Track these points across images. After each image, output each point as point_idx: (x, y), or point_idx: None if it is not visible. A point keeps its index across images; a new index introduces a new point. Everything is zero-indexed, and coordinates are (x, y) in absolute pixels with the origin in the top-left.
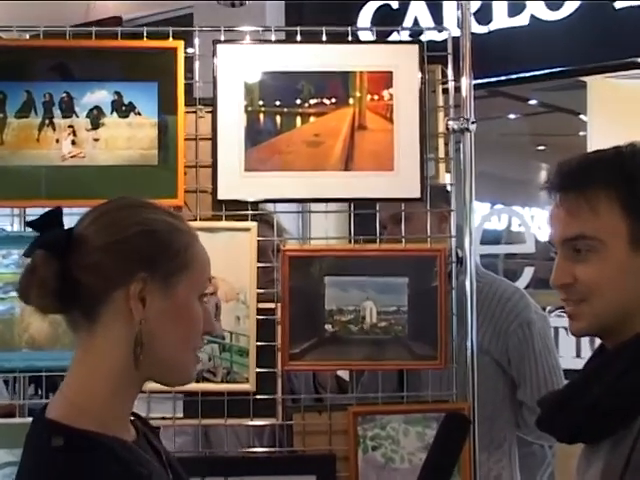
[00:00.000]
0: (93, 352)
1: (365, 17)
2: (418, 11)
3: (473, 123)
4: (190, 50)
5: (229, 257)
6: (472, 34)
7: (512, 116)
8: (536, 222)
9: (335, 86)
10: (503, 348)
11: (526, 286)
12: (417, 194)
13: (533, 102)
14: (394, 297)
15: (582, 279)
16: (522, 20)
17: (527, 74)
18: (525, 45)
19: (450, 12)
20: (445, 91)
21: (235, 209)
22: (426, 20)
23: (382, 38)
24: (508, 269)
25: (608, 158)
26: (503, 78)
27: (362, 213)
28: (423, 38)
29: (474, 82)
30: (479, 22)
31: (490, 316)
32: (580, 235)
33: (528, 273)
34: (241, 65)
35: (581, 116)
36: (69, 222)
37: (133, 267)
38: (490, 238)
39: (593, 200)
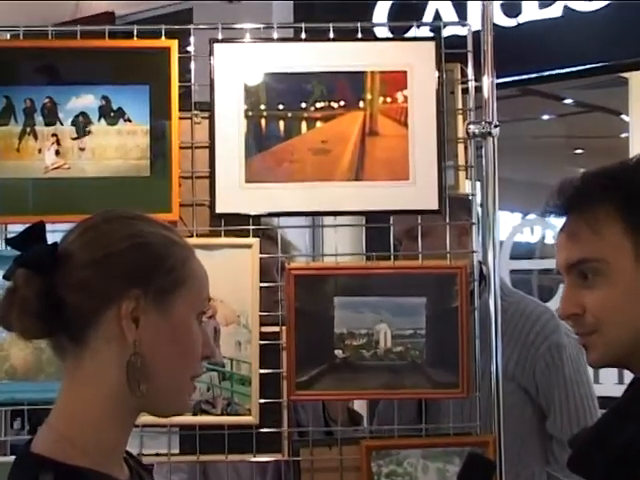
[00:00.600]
0: (82, 380)
1: (381, 13)
2: (440, 5)
3: (496, 127)
4: (190, 49)
5: (229, 276)
6: (500, 28)
7: (546, 117)
8: None
9: (344, 88)
10: (530, 374)
11: None
12: (435, 205)
13: (569, 101)
14: (410, 319)
15: (590, 307)
16: (555, 11)
17: (561, 70)
18: (559, 39)
19: (475, 5)
20: (465, 92)
21: (235, 224)
22: (449, 14)
23: (398, 35)
24: (542, 285)
25: (606, 174)
26: (535, 75)
27: (375, 227)
28: (443, 34)
29: (502, 80)
30: (507, 15)
31: (516, 339)
32: (583, 259)
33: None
34: (241, 66)
35: (622, 116)
36: (53, 241)
37: (124, 284)
38: (522, 252)
39: (592, 220)
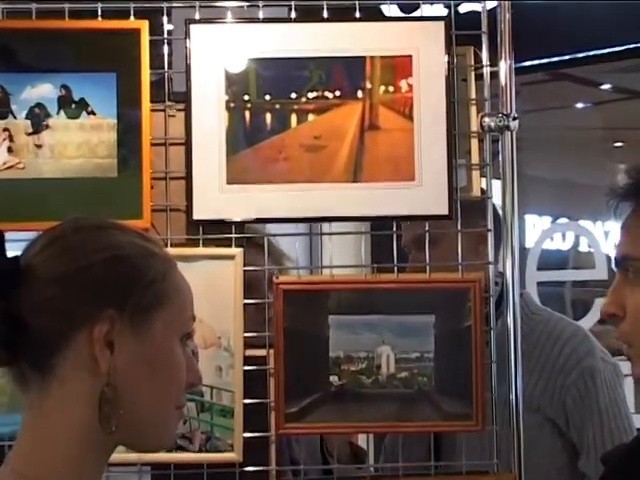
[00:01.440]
0: (49, 414)
1: None
2: None
3: (515, 119)
4: (169, 27)
5: (208, 292)
6: (525, 4)
7: (580, 105)
8: (610, 240)
9: (340, 75)
10: (559, 404)
11: (599, 321)
12: (444, 210)
13: (606, 87)
14: (417, 341)
15: (629, 309)
16: None
17: (599, 52)
18: (595, 15)
19: None
20: (479, 78)
21: (215, 232)
22: None
23: (404, 14)
24: (576, 300)
25: None
26: (567, 57)
27: (377, 235)
28: (454, 13)
29: (529, 64)
30: None
31: (543, 363)
32: (627, 255)
33: (600, 305)
34: (222, 50)
35: None
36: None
37: (97, 303)
38: (552, 261)
39: None
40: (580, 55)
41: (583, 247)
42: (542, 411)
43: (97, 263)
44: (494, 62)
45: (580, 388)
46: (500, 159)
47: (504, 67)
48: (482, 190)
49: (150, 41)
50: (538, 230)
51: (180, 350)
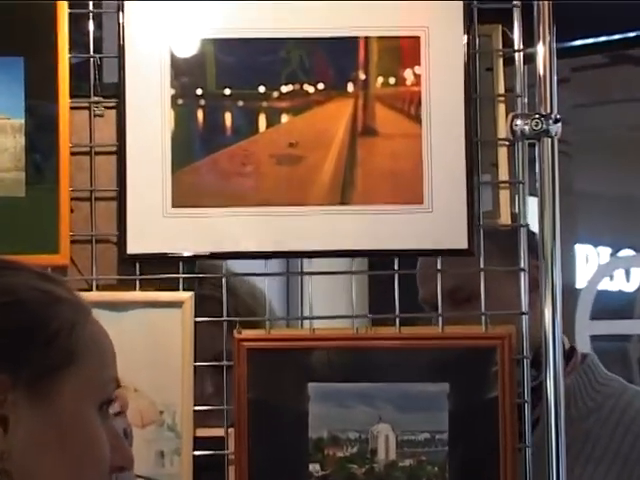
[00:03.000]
0: None
1: None
2: None
3: (557, 122)
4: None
5: (147, 350)
6: None
7: None
8: None
9: (324, 63)
10: None
11: None
12: (463, 242)
13: None
14: (425, 417)
15: None
16: None
17: None
18: None
19: None
20: (508, 63)
21: (157, 270)
22: None
23: None
24: None
25: None
26: (632, 35)
27: (376, 276)
28: None
29: (581, 43)
30: None
31: (615, 450)
32: None
33: None
34: (166, 28)
35: None
36: None
37: None
38: (611, 307)
39: None
40: None
41: None
42: None
43: None
44: (530, 45)
45: None
46: (537, 173)
47: (542, 51)
48: (514, 215)
49: (70, 16)
50: (593, 265)
51: (98, 422)
